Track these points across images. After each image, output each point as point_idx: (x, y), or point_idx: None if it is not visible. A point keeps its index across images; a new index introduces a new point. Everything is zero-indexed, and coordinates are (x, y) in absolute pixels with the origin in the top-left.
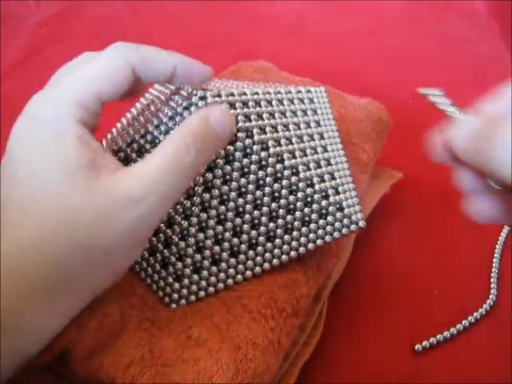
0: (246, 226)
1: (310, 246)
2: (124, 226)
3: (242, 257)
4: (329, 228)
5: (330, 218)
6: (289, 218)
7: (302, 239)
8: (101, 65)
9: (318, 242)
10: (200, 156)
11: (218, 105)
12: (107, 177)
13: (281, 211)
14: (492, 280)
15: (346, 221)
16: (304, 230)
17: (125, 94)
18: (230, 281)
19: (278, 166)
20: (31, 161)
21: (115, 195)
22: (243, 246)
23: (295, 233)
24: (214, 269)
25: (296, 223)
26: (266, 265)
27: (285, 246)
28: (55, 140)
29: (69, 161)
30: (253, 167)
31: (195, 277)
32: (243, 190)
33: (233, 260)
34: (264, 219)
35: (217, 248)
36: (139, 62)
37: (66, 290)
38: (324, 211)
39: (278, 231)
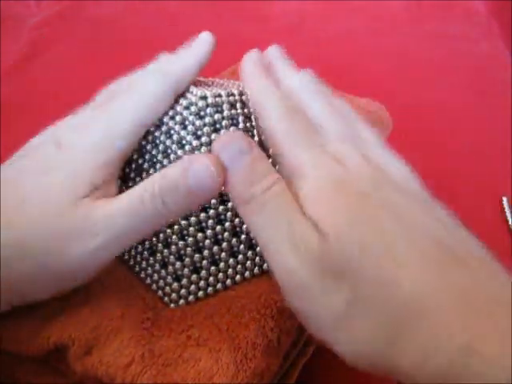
0: (245, 227)
1: None
2: (74, 255)
3: (240, 257)
4: None
5: None
6: None
7: None
8: (146, 102)
9: None
10: (168, 207)
11: (208, 155)
12: (86, 205)
13: None
14: None
15: None
16: None
17: None
18: (229, 281)
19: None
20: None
21: (79, 223)
22: (242, 247)
23: None
24: (213, 269)
25: None
26: (266, 265)
27: None
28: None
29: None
30: None
31: (194, 277)
32: None
33: (232, 260)
34: None
35: (216, 248)
36: (181, 86)
37: None
38: None
39: None
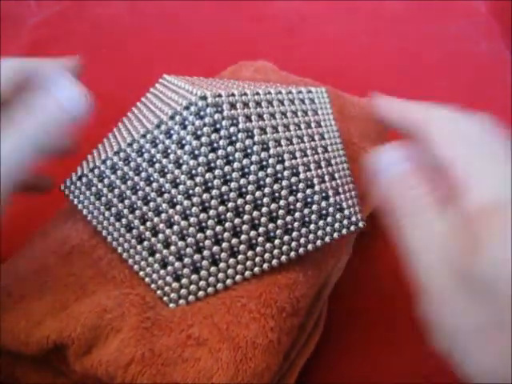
0: (245, 227)
1: (310, 246)
2: None
3: (241, 257)
4: (328, 229)
5: (329, 219)
6: (288, 218)
7: (302, 240)
8: None
9: (318, 242)
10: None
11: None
12: None
13: (280, 212)
14: None
15: (345, 221)
16: (304, 230)
17: None
18: (229, 281)
19: (279, 167)
20: None
21: None
22: (242, 247)
23: (295, 233)
24: (214, 269)
25: (296, 224)
26: (266, 265)
27: (284, 247)
28: None
29: None
30: (253, 168)
31: (194, 277)
32: (243, 190)
33: (232, 260)
34: (264, 220)
35: (216, 248)
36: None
37: None
38: (324, 212)
39: (278, 232)
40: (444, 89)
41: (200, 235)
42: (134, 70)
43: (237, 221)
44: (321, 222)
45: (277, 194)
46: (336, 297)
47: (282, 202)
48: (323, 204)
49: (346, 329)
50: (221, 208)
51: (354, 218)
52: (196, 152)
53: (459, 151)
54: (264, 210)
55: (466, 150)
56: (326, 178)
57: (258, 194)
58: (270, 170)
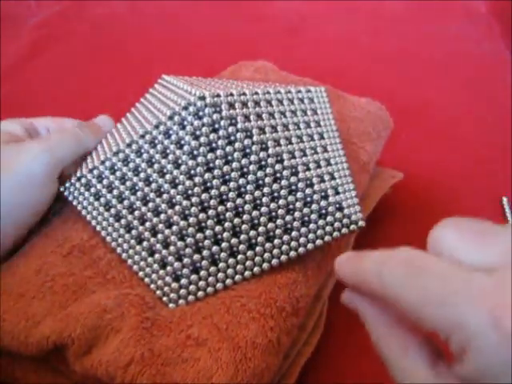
0: (245, 226)
1: (310, 246)
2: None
3: (241, 257)
4: (328, 228)
5: (329, 218)
6: (288, 218)
7: (302, 239)
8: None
9: (318, 242)
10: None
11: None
12: None
13: (280, 211)
14: None
15: (345, 221)
16: (303, 230)
17: None
18: (229, 281)
19: (278, 166)
20: None
21: None
22: (242, 246)
23: (295, 233)
24: (213, 269)
25: (295, 223)
26: (266, 265)
27: (284, 247)
28: None
29: None
30: (252, 167)
31: (194, 277)
32: (242, 190)
33: (232, 260)
34: (263, 219)
35: (216, 248)
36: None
37: None
38: (324, 211)
39: (278, 231)
40: (444, 89)
41: (199, 235)
42: (133, 70)
43: (236, 221)
44: (320, 222)
45: (276, 194)
46: (336, 297)
47: (281, 202)
48: (323, 203)
49: (345, 329)
50: (220, 208)
51: (353, 217)
52: (195, 152)
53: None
54: (263, 209)
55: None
56: (326, 177)
57: (257, 193)
58: (269, 170)
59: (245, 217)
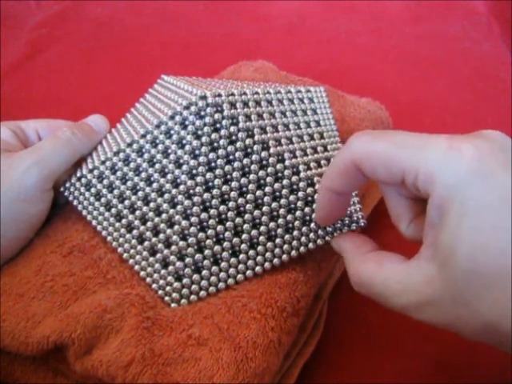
0: (246, 226)
1: (311, 245)
2: None
3: (242, 256)
4: (329, 227)
5: None
6: (289, 217)
7: (303, 239)
8: None
9: (319, 241)
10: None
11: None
12: None
13: (281, 211)
14: None
15: (346, 220)
16: (305, 229)
17: None
18: (230, 280)
19: (279, 166)
20: None
21: None
22: (244, 246)
23: (296, 232)
24: (215, 268)
25: (297, 223)
26: (267, 264)
27: (285, 246)
28: None
29: None
30: (253, 167)
31: (196, 276)
32: (244, 189)
33: (233, 259)
34: (265, 218)
35: (217, 247)
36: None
37: None
38: None
39: (279, 230)
40: (444, 89)
41: (201, 235)
42: (133, 70)
43: (238, 220)
44: None
45: (277, 193)
46: (336, 297)
47: (282, 201)
48: None
49: (346, 329)
50: (222, 207)
51: (354, 217)
52: (196, 152)
53: None
54: (265, 208)
55: None
56: None
57: (258, 193)
58: (270, 169)
59: (246, 216)
